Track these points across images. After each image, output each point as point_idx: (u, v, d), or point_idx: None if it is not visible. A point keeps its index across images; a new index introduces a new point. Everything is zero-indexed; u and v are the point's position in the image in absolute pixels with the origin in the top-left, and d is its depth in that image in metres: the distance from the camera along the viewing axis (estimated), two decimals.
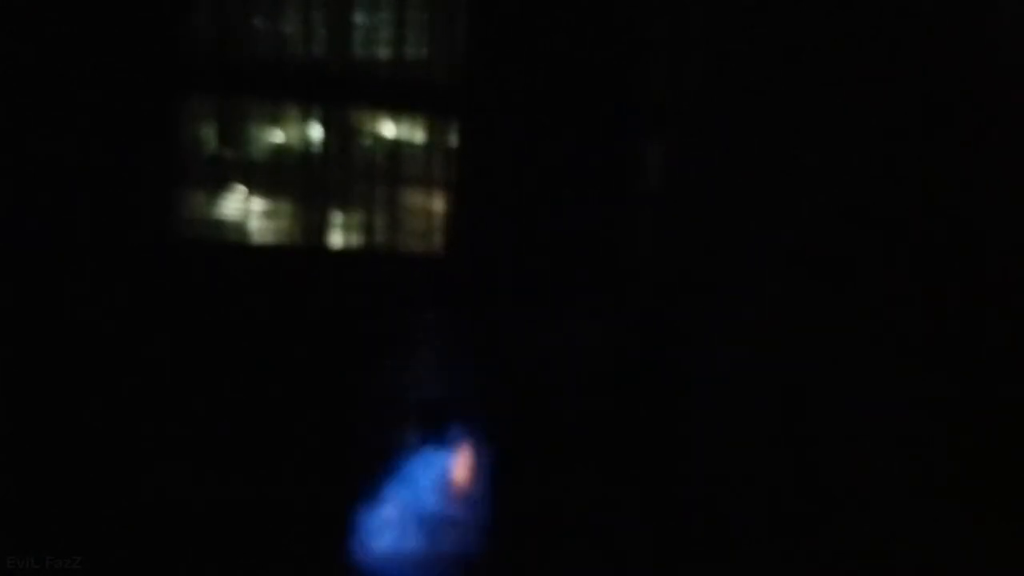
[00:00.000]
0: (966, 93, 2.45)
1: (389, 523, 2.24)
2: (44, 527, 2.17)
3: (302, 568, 2.22)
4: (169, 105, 2.88)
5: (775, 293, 2.74)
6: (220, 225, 3.02)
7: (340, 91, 3.05)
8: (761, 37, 2.87)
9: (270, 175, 3.08)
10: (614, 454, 2.85)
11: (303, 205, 3.06)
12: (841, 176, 2.71)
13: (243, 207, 3.02)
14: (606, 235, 3.19)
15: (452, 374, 2.76)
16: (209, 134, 2.99)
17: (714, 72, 3.03)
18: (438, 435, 2.36)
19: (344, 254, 3.13)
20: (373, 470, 2.32)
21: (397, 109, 3.13)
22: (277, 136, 3.10)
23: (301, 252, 3.05)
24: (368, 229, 3.11)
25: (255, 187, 3.04)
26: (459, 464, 2.38)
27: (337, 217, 3.12)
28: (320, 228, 3.06)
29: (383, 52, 3.08)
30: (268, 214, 3.09)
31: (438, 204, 3.17)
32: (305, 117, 3.06)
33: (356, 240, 3.12)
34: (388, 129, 3.15)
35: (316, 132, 3.07)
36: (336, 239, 3.12)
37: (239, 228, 3.02)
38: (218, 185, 3.01)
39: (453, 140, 3.16)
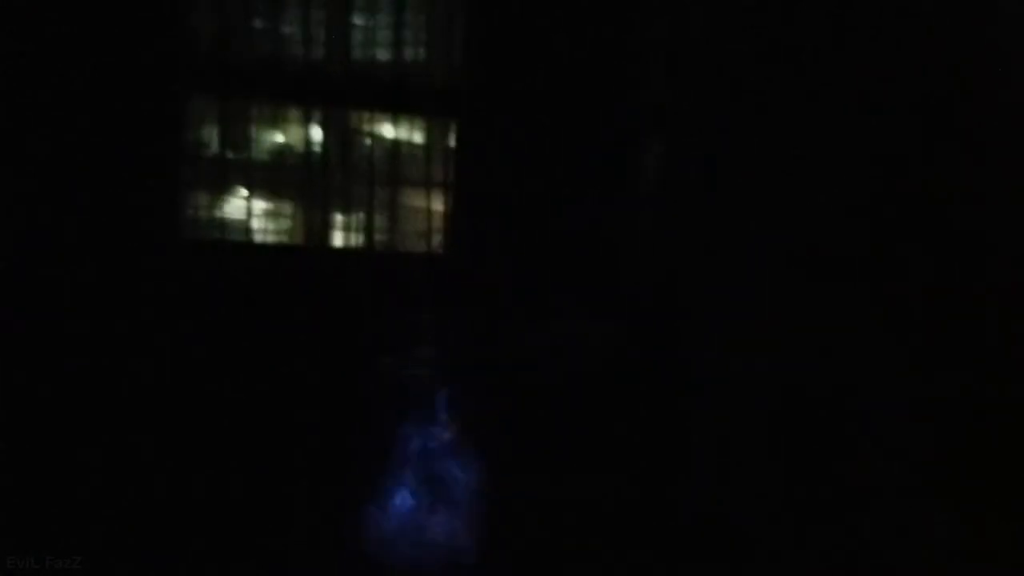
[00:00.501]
0: (966, 93, 2.44)
1: (386, 520, 2.25)
2: (44, 527, 2.18)
3: (302, 567, 2.22)
4: (169, 106, 2.89)
5: (775, 293, 2.74)
6: (220, 225, 3.03)
7: (340, 92, 3.06)
8: (761, 37, 2.87)
9: (270, 175, 3.09)
10: (614, 454, 2.86)
11: (303, 205, 3.08)
12: (841, 176, 2.70)
13: (243, 207, 3.03)
14: (606, 235, 3.19)
15: (452, 374, 2.76)
16: (209, 135, 3.00)
17: (714, 72, 3.02)
18: (437, 434, 2.37)
19: (344, 254, 3.13)
20: (371, 468, 2.32)
21: (397, 110, 3.13)
22: (277, 137, 3.11)
23: (301, 252, 3.06)
24: (368, 229, 3.12)
25: (255, 187, 3.05)
26: (458, 464, 2.38)
27: (337, 217, 3.13)
28: (320, 228, 3.07)
29: (383, 53, 3.09)
30: (268, 214, 3.11)
31: (438, 204, 3.18)
32: (305, 118, 3.07)
33: (356, 240, 3.13)
34: (388, 130, 3.16)
35: (316, 133, 3.08)
36: (336, 239, 3.13)
37: (239, 228, 3.04)
38: (218, 186, 3.02)
39: (452, 141, 3.17)
